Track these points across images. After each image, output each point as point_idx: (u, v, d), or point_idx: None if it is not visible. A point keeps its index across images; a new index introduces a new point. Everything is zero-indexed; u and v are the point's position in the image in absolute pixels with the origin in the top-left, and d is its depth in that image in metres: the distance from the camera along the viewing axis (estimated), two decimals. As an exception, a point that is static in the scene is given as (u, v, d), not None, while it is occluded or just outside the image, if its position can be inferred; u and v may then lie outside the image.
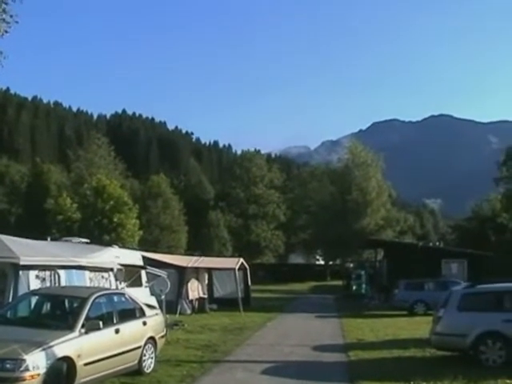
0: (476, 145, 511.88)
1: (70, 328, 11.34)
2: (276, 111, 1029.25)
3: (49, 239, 24.54)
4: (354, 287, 50.90)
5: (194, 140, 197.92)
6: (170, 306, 24.74)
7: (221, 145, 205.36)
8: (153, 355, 14.10)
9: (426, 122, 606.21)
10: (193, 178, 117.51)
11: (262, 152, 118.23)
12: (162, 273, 24.93)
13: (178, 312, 29.02)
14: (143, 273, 23.82)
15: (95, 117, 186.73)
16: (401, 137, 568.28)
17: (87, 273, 18.61)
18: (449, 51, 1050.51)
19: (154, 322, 14.67)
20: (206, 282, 36.49)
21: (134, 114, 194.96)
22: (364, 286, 49.79)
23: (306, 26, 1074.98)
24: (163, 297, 22.47)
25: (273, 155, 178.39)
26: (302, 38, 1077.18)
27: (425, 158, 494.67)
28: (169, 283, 24.11)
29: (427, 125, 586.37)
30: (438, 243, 76.36)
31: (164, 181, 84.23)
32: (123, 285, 20.65)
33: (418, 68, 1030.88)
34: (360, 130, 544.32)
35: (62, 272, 17.07)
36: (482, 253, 46.86)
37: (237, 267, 33.98)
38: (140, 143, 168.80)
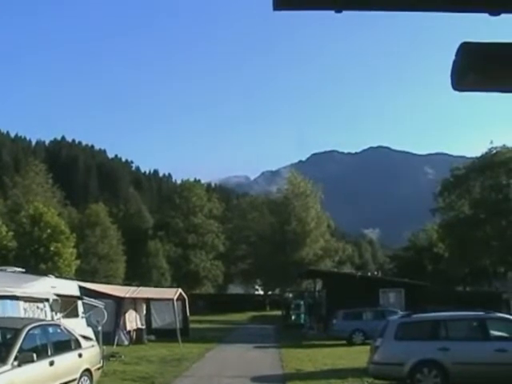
0: (413, 176, 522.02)
1: (2, 361, 11.04)
2: (215, 140, 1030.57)
3: (-18, 269, 23.93)
4: (293, 317, 50.98)
5: (133, 168, 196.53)
6: (107, 337, 24.33)
7: (161, 174, 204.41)
8: (88, 388, 13.83)
9: (364, 154, 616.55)
10: (132, 207, 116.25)
11: (202, 181, 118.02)
12: (99, 303, 24.49)
13: (116, 343, 28.52)
14: (80, 303, 23.38)
15: (33, 143, 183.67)
16: (340, 168, 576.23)
17: (21, 303, 18.17)
18: (384, 84, 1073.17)
19: (90, 353, 14.42)
20: (144, 312, 36.08)
21: (73, 140, 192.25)
22: (303, 315, 49.87)
23: (238, 55, 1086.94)
24: (100, 328, 22.11)
25: (212, 184, 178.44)
26: (247, 66, 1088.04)
27: (363, 189, 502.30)
28: (106, 314, 23.71)
29: (366, 156, 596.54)
30: (376, 273, 77.40)
31: (102, 209, 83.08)
32: (59, 316, 20.21)
33: (356, 101, 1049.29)
34: (300, 161, 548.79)
35: (-6, 302, 16.66)
36: (419, 282, 47.62)
37: (175, 298, 33.69)
38: (79, 171, 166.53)
